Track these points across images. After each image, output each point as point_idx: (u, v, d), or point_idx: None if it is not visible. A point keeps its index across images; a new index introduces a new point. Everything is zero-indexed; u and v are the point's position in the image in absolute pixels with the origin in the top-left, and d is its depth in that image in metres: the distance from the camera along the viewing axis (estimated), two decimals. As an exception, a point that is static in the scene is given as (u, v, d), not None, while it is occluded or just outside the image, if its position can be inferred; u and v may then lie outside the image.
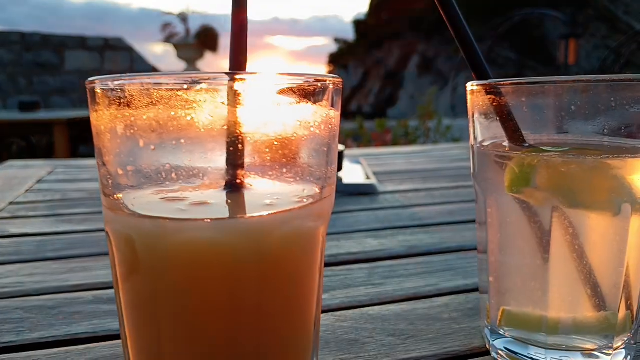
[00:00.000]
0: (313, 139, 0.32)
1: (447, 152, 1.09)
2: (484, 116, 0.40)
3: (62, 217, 0.64)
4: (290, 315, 0.32)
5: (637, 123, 0.33)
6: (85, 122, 3.17)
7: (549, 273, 0.37)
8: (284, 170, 0.31)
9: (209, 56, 6.12)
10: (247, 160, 0.29)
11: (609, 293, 0.37)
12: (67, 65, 5.15)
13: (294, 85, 0.30)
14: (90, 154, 4.69)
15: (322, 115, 0.32)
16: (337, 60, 59.55)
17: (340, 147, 0.71)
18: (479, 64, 0.39)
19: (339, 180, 0.65)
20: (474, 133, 0.41)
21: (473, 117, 0.40)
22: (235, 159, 0.29)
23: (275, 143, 0.30)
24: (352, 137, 2.37)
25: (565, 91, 0.34)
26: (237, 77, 0.28)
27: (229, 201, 0.30)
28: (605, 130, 0.35)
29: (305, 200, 0.31)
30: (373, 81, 50.86)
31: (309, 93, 0.31)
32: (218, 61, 6.24)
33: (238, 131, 0.28)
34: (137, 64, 5.42)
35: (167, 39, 5.99)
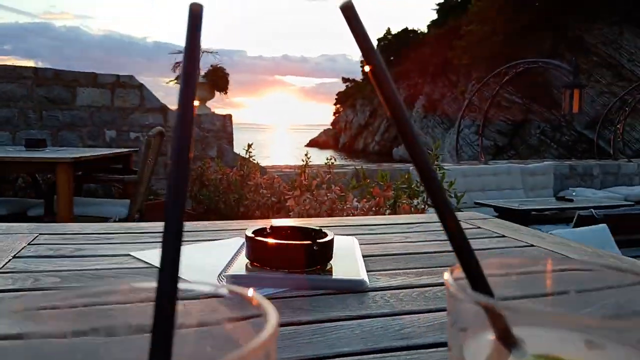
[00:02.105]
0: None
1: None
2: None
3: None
4: None
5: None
6: (91, 162, 3.17)
7: None
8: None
9: (218, 96, 6.19)
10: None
11: None
12: (78, 100, 5.22)
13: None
14: (93, 193, 4.67)
15: None
16: (345, 99, 60.35)
17: (330, 235, 0.67)
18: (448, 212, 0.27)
19: (328, 273, 0.62)
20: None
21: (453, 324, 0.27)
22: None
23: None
24: (354, 190, 2.35)
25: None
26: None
27: None
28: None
29: None
30: (380, 120, 51.35)
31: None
32: (225, 101, 6.31)
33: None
34: (147, 101, 5.48)
35: (178, 78, 6.05)
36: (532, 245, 0.88)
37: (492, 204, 5.63)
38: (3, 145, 4.49)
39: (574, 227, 4.34)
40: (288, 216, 2.47)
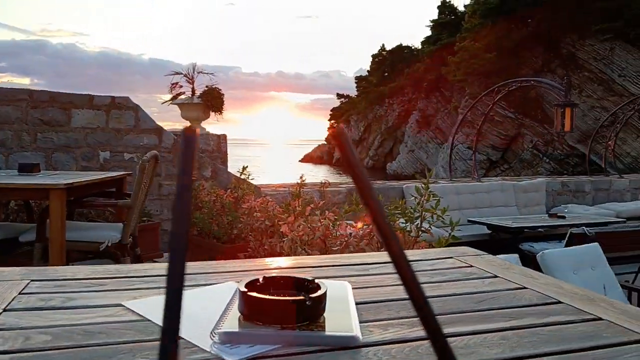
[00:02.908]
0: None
1: (439, 263, 1.06)
2: None
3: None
4: None
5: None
6: (84, 187, 3.16)
7: None
8: None
9: (213, 115, 6.21)
10: None
11: None
12: (73, 122, 5.22)
13: None
14: (86, 216, 4.64)
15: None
16: (340, 115, 60.62)
17: (322, 288, 0.67)
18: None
19: (321, 328, 0.62)
20: None
21: None
22: None
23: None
24: (347, 214, 2.35)
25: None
26: None
27: None
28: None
29: None
30: (374, 135, 51.60)
31: None
32: (221, 123, 6.32)
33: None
34: (142, 122, 5.50)
35: (173, 98, 6.09)
36: (524, 288, 0.88)
37: (486, 222, 5.64)
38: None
39: (566, 245, 4.36)
40: (281, 241, 2.47)
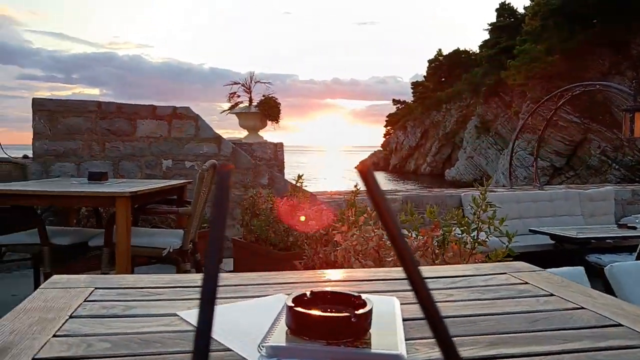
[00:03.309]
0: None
1: (492, 279, 1.03)
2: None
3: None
4: None
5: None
6: (147, 195, 3.31)
7: None
8: None
9: (270, 123, 6.34)
10: None
11: None
12: (138, 132, 5.46)
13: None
14: (150, 222, 4.84)
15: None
16: (396, 121, 60.14)
17: (369, 304, 0.68)
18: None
19: (367, 345, 0.62)
20: None
21: None
22: None
23: None
24: (402, 224, 2.32)
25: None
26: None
27: None
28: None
29: None
30: (431, 141, 50.79)
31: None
32: (278, 131, 6.44)
33: None
34: (202, 131, 5.67)
35: (232, 108, 6.27)
36: (582, 308, 0.84)
37: (548, 232, 5.41)
38: (68, 177, 4.77)
39: (637, 257, 4.11)
40: (335, 250, 2.48)
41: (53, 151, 5.06)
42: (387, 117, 65.20)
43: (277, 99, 6.35)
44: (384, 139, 64.95)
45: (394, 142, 59.47)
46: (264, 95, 6.30)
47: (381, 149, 66.34)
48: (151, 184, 3.74)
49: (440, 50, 52.19)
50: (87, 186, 3.36)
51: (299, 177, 4.07)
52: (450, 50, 51.22)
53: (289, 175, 5.82)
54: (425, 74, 54.40)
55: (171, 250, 3.28)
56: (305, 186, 4.72)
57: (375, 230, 2.22)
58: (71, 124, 5.16)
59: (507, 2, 40.89)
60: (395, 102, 63.77)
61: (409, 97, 59.46)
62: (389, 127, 63.89)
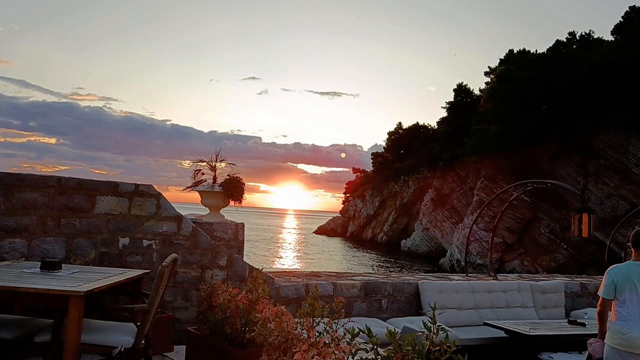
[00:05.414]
0: None
1: None
2: None
3: None
4: None
5: None
6: (102, 293, 3.21)
7: None
8: None
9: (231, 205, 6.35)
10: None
11: None
12: (97, 209, 5.36)
13: None
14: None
15: None
16: (355, 189, 61.13)
17: None
18: None
19: None
20: None
21: None
22: None
23: None
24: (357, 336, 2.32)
25: None
26: None
27: None
28: None
29: None
30: (389, 211, 51.59)
31: None
32: (240, 214, 6.46)
33: None
34: (163, 210, 5.62)
35: (195, 185, 6.27)
36: None
37: (503, 327, 5.51)
38: (19, 260, 4.57)
39: (587, 358, 4.27)
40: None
41: (4, 227, 4.87)
42: (347, 184, 66.22)
43: (241, 178, 6.40)
44: (343, 205, 65.59)
45: (352, 210, 60.09)
46: (228, 175, 6.34)
47: (339, 215, 66.82)
48: (108, 274, 3.64)
49: (400, 123, 54.15)
50: (39, 277, 3.24)
51: (260, 271, 4.06)
52: (410, 124, 53.29)
53: (251, 236, 5.77)
54: (385, 145, 56.07)
55: (122, 349, 3.15)
56: (263, 268, 4.68)
57: (336, 352, 2.23)
58: (27, 199, 5.00)
59: (464, 84, 43.42)
60: (355, 170, 65.02)
61: (368, 167, 60.82)
62: (347, 194, 64.72)
